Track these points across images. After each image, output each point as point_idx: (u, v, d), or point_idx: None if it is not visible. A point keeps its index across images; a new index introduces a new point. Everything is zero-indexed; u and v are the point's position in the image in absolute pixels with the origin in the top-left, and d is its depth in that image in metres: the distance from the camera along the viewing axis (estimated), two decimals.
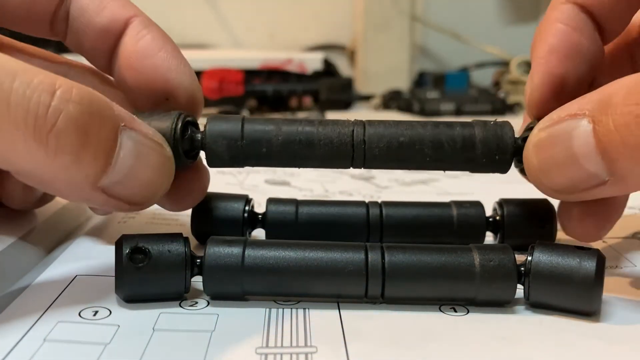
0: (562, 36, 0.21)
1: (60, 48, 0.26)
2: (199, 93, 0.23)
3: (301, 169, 0.41)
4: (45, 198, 0.26)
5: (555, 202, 0.25)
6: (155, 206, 0.29)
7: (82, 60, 0.25)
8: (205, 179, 0.24)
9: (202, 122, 0.22)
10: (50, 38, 0.24)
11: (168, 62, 0.22)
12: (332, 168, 0.22)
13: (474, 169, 0.22)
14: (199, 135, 0.22)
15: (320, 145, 0.21)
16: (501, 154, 0.21)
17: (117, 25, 0.22)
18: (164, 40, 0.23)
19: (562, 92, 0.21)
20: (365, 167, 0.22)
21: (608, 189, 0.18)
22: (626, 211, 0.24)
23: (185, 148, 0.21)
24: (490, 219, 0.25)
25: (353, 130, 0.21)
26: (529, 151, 0.20)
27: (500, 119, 0.22)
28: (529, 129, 0.21)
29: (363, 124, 0.22)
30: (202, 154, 0.22)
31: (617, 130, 0.17)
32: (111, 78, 0.24)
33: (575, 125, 0.18)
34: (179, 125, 0.21)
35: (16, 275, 0.21)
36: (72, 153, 0.17)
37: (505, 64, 0.78)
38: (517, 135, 0.22)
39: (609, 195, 0.19)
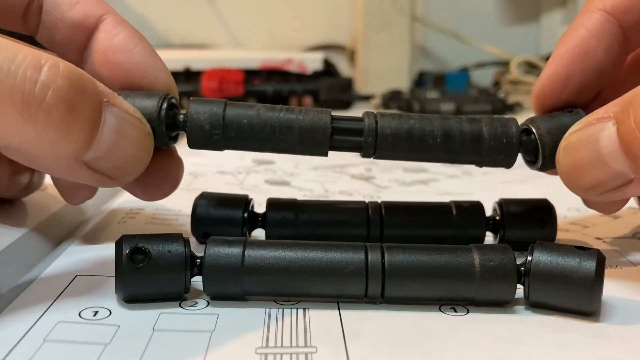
0: (578, 41, 0.22)
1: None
2: (174, 90, 0.23)
3: (301, 169, 0.41)
4: (31, 186, 0.26)
5: (555, 203, 0.25)
6: (156, 206, 0.29)
7: None
8: (180, 169, 0.24)
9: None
10: (21, 32, 0.24)
11: (145, 57, 0.22)
12: (309, 154, 0.22)
13: (480, 163, 0.22)
14: (181, 117, 0.22)
15: (299, 132, 0.21)
16: (507, 148, 0.22)
17: (90, 21, 0.22)
18: (139, 37, 0.23)
19: (564, 90, 0.22)
20: (376, 157, 0.22)
21: (634, 188, 0.19)
22: (626, 211, 0.24)
23: (168, 129, 0.22)
24: (490, 219, 0.25)
25: (365, 121, 0.22)
26: (560, 154, 0.21)
27: (508, 117, 0.23)
28: (523, 130, 0.22)
29: (374, 114, 0.22)
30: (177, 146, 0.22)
31: (637, 128, 0.18)
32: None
33: (602, 127, 0.19)
34: (164, 105, 0.21)
35: (16, 275, 0.21)
36: (60, 128, 0.17)
37: (505, 64, 0.78)
38: None
39: (637, 194, 0.20)
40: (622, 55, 0.23)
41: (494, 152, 0.22)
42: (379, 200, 0.26)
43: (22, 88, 0.16)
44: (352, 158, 0.46)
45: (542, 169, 0.22)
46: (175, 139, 0.23)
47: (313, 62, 0.70)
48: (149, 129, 0.21)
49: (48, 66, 0.17)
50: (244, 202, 0.25)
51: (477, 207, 0.25)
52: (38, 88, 0.16)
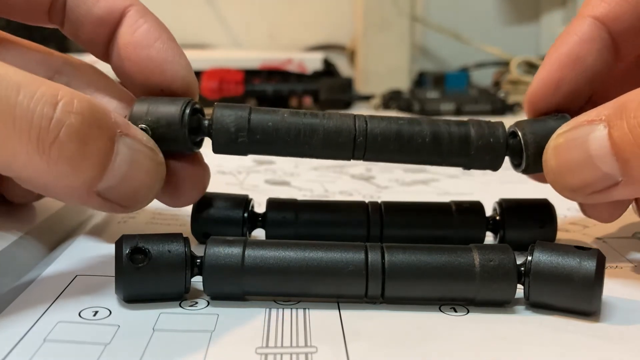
0: (569, 47, 0.23)
1: (61, 47, 0.26)
2: (194, 85, 0.23)
3: (301, 169, 0.41)
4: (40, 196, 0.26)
5: (555, 203, 0.25)
6: (156, 206, 0.29)
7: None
8: (206, 176, 0.24)
9: None
10: (47, 26, 0.24)
11: (164, 53, 0.22)
12: (333, 159, 0.23)
13: (468, 165, 0.23)
14: (205, 122, 0.22)
15: (323, 136, 0.22)
16: (494, 151, 0.22)
17: (113, 16, 0.23)
18: (160, 31, 0.23)
19: (555, 95, 0.23)
20: (365, 159, 0.22)
21: (621, 190, 0.19)
22: (626, 211, 0.24)
23: (192, 134, 0.22)
24: (490, 219, 0.25)
25: (355, 122, 0.22)
26: (548, 154, 0.21)
27: (500, 119, 0.23)
28: (510, 133, 0.23)
29: (365, 118, 0.22)
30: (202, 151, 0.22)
31: (630, 132, 0.18)
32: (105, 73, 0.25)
33: (592, 129, 0.19)
34: (187, 111, 0.21)
35: (16, 275, 0.21)
36: (72, 163, 0.18)
37: (505, 64, 0.78)
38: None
39: (622, 198, 0.20)
40: (612, 61, 0.23)
41: (482, 154, 0.22)
42: (379, 200, 0.26)
43: (38, 124, 0.17)
44: None
45: (526, 171, 0.23)
46: (199, 144, 0.23)
47: (313, 62, 0.70)
48: (162, 158, 0.21)
49: (63, 102, 0.17)
50: (244, 202, 0.25)
51: (477, 207, 0.25)
52: (53, 124, 0.17)
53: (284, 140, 0.22)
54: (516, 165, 0.23)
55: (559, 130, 0.21)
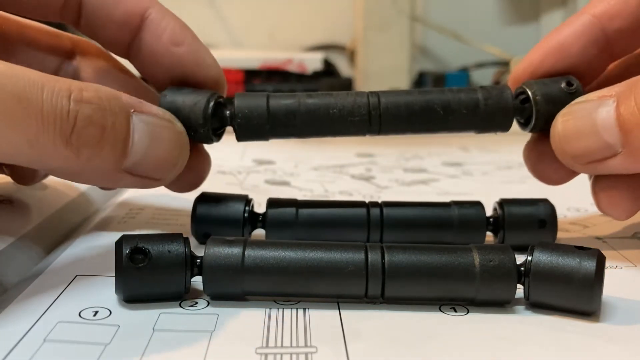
0: (557, 35, 0.24)
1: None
2: (223, 78, 0.24)
3: (301, 169, 0.41)
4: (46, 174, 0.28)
5: (555, 202, 0.25)
6: (156, 206, 0.29)
7: None
8: (207, 163, 0.26)
9: None
10: (60, 22, 0.25)
11: (194, 55, 0.24)
12: (350, 135, 0.24)
13: (479, 128, 0.24)
14: (227, 113, 0.23)
15: (339, 114, 0.23)
16: (503, 112, 0.24)
17: (135, 17, 0.23)
18: (186, 31, 0.24)
19: (533, 77, 0.24)
20: (380, 134, 0.24)
21: (618, 161, 0.21)
22: None
23: (215, 126, 0.23)
24: (491, 219, 0.25)
25: (368, 98, 0.23)
26: (557, 120, 0.22)
27: (502, 84, 0.25)
28: (518, 93, 0.24)
29: (377, 93, 0.23)
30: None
31: (636, 105, 0.20)
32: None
33: (602, 102, 0.21)
34: (211, 104, 0.23)
35: (16, 275, 0.21)
36: (92, 147, 0.19)
37: (505, 64, 0.78)
38: None
39: (617, 171, 0.21)
40: (600, 60, 0.24)
41: (491, 116, 0.23)
42: (379, 200, 0.26)
43: (60, 117, 0.18)
44: (352, 158, 0.46)
45: (533, 129, 0.24)
46: (220, 135, 0.24)
47: (313, 62, 0.70)
48: (181, 126, 0.22)
49: (74, 94, 0.18)
50: (244, 202, 0.25)
51: (477, 207, 0.25)
52: (70, 115, 0.18)
53: (302, 122, 0.23)
54: (523, 125, 0.24)
55: (572, 103, 0.22)
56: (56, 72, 0.25)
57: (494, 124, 0.24)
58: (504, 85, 0.24)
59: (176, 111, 0.22)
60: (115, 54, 0.25)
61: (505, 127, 0.24)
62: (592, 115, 0.21)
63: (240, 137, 0.24)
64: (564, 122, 0.22)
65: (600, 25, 0.23)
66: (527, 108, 0.24)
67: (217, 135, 0.24)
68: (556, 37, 0.24)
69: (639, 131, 0.20)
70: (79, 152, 0.19)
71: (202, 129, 0.23)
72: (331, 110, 0.23)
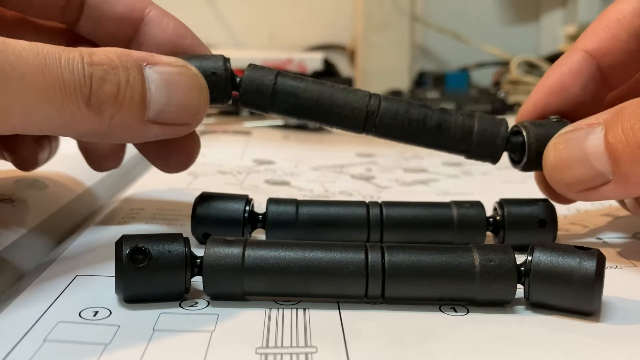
0: (557, 76, 0.25)
1: None
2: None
3: (301, 169, 0.41)
4: (51, 151, 0.29)
5: (555, 203, 0.25)
6: (156, 206, 0.29)
7: None
8: (197, 144, 0.26)
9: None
10: (60, 25, 0.25)
11: (196, 49, 0.25)
12: (345, 129, 0.24)
13: (468, 155, 0.25)
14: (238, 78, 0.24)
15: (340, 107, 0.24)
16: (495, 145, 0.24)
17: (135, 14, 0.24)
18: (186, 28, 0.25)
19: (541, 118, 0.25)
20: (374, 135, 0.24)
21: (610, 188, 0.21)
22: (626, 211, 0.24)
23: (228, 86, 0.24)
24: (491, 219, 0.25)
25: (370, 99, 0.24)
26: (548, 150, 0.23)
27: (500, 117, 0.25)
28: (512, 132, 0.25)
29: (380, 97, 0.24)
30: None
31: (623, 133, 0.20)
32: None
33: (591, 131, 0.21)
34: (229, 65, 0.24)
35: (16, 275, 0.21)
36: (112, 104, 0.19)
37: (505, 64, 0.78)
38: None
39: (611, 197, 0.22)
40: (600, 92, 0.25)
41: (483, 146, 0.24)
42: (380, 201, 0.26)
43: (80, 81, 0.19)
44: (352, 158, 0.46)
45: (526, 167, 0.25)
46: (229, 96, 0.25)
47: (313, 62, 0.70)
48: (195, 69, 0.22)
49: (86, 59, 0.19)
50: (244, 202, 0.25)
51: (477, 207, 0.25)
52: (86, 78, 0.19)
53: (303, 105, 0.24)
54: (515, 162, 0.25)
55: (561, 131, 0.23)
56: None
57: (484, 154, 0.25)
58: (501, 119, 0.25)
59: (198, 66, 0.23)
60: None
61: (494, 159, 0.25)
62: (582, 144, 0.21)
63: (243, 102, 0.24)
64: (555, 152, 0.22)
65: (594, 62, 0.25)
66: (519, 144, 0.24)
67: (227, 95, 0.24)
68: (555, 77, 0.25)
69: (627, 158, 0.20)
70: (101, 112, 0.19)
71: (222, 84, 0.24)
72: (332, 103, 0.24)
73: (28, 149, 0.27)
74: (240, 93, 0.24)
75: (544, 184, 0.26)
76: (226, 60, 0.24)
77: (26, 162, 0.27)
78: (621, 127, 0.20)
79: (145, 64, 0.20)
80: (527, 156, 0.24)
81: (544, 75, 0.26)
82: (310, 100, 0.24)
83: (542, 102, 0.25)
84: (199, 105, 0.22)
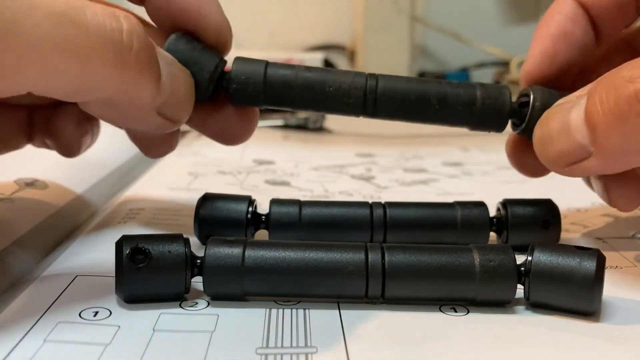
0: (557, 24, 0.24)
1: None
2: (227, 28, 0.24)
3: (301, 169, 0.41)
4: (93, 137, 0.28)
5: (558, 203, 0.25)
6: (156, 206, 0.29)
7: None
8: (255, 120, 0.25)
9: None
10: None
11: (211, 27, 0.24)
12: (344, 114, 0.24)
13: (473, 126, 0.24)
14: (225, 76, 0.23)
15: (335, 91, 0.23)
16: (498, 113, 0.23)
17: None
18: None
19: (551, 68, 0.24)
20: (374, 117, 0.23)
21: (593, 162, 0.20)
22: (626, 212, 0.24)
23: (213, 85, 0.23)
24: (494, 220, 0.25)
25: (367, 80, 0.23)
26: (537, 124, 0.22)
27: (501, 85, 0.24)
28: (521, 95, 0.24)
29: (376, 77, 0.23)
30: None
31: (599, 102, 0.19)
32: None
33: (577, 102, 0.20)
34: (219, 69, 0.23)
35: (16, 275, 0.21)
36: (143, 72, 0.19)
37: (505, 64, 0.78)
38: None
39: (594, 172, 0.21)
40: (594, 40, 0.24)
41: (486, 115, 0.23)
42: (381, 201, 0.25)
43: (112, 38, 0.17)
44: (352, 158, 0.46)
45: (523, 133, 0.24)
46: (213, 95, 0.24)
47: (313, 62, 0.70)
48: (189, 71, 0.22)
49: (123, 16, 0.18)
50: (247, 203, 0.25)
51: (480, 207, 0.25)
52: (125, 36, 0.18)
53: (297, 95, 0.23)
54: (515, 125, 0.24)
55: (554, 105, 0.22)
56: None
57: (488, 123, 0.24)
58: (503, 86, 0.24)
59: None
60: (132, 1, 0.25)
61: (499, 128, 0.24)
62: (565, 116, 0.21)
63: (235, 100, 0.24)
64: (541, 125, 0.22)
65: (585, 11, 0.24)
66: (524, 112, 0.23)
67: (212, 95, 0.24)
68: (555, 24, 0.24)
69: (602, 127, 0.19)
70: (133, 75, 0.18)
71: (208, 86, 0.23)
72: (327, 88, 0.23)
73: (71, 133, 0.26)
74: (231, 91, 0.23)
75: (514, 155, 0.26)
76: (218, 65, 0.23)
77: (70, 147, 0.27)
78: (597, 96, 0.19)
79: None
80: (527, 120, 0.23)
81: (538, 27, 0.25)
82: (304, 86, 0.23)
83: (550, 49, 0.24)
84: (189, 106, 0.22)
